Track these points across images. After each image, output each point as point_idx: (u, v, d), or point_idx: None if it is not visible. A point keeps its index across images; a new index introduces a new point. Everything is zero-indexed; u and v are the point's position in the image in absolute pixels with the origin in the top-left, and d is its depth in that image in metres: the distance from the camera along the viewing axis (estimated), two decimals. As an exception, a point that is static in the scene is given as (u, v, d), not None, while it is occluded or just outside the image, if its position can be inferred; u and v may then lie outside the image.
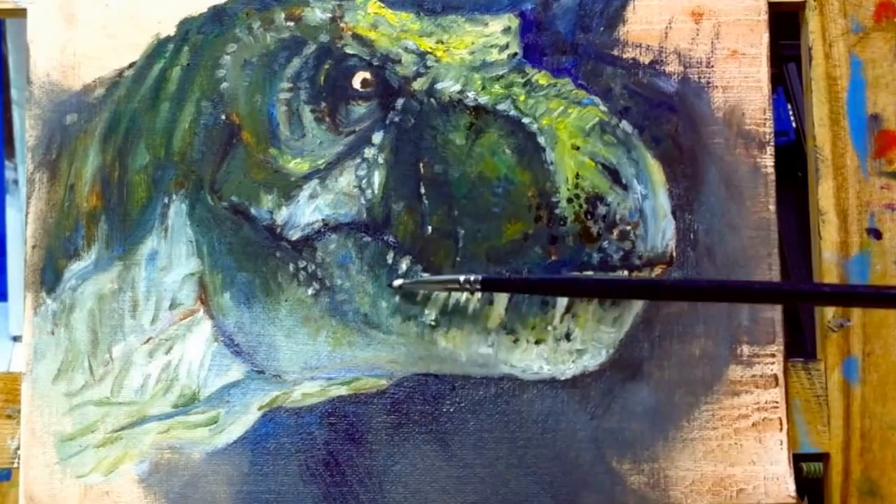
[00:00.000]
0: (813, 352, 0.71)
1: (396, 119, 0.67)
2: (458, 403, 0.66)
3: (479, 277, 0.62)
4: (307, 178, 0.66)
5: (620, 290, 0.61)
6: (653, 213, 0.66)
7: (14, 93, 0.94)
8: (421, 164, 0.66)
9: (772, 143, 0.69)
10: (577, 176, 0.65)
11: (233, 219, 0.67)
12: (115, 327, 0.67)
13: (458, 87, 0.67)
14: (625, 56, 0.69)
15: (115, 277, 0.67)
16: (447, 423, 0.66)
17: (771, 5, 0.70)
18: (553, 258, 0.65)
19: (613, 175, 0.65)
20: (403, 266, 0.66)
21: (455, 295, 0.65)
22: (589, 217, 0.65)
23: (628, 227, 0.65)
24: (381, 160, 0.66)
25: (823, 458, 0.68)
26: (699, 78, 0.69)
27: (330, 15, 0.68)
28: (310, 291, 0.66)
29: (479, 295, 0.65)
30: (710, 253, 0.67)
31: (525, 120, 0.66)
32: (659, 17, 0.69)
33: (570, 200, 0.65)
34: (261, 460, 0.66)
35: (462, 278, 0.62)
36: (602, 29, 0.69)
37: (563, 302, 0.65)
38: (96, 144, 0.68)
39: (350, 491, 0.65)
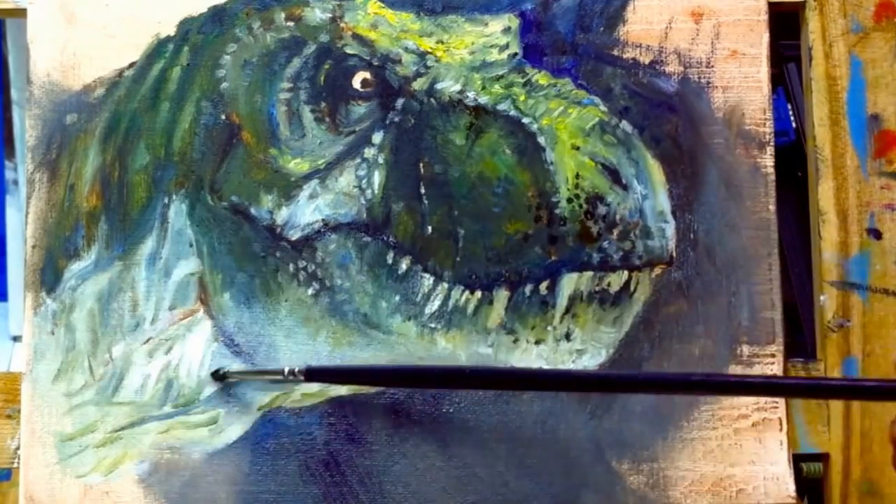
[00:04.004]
0: (813, 352, 0.71)
1: (396, 119, 0.67)
2: (458, 403, 0.66)
3: (304, 368, 0.62)
4: (307, 178, 0.66)
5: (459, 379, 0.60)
6: (653, 213, 0.66)
7: (14, 93, 0.94)
8: (421, 164, 0.66)
9: (772, 144, 0.69)
10: (577, 176, 0.65)
11: (233, 219, 0.67)
12: (115, 327, 0.66)
13: (458, 87, 0.67)
14: (625, 56, 0.69)
15: (115, 277, 0.67)
16: (447, 423, 0.66)
17: (771, 5, 0.70)
18: (553, 258, 0.65)
19: (613, 175, 0.65)
20: (403, 266, 0.66)
21: (454, 295, 0.65)
22: (589, 217, 0.65)
23: (628, 228, 0.65)
24: (381, 160, 0.66)
25: (823, 458, 0.68)
26: (699, 78, 0.69)
27: (330, 15, 0.68)
28: (310, 291, 0.66)
29: (478, 295, 0.65)
30: (709, 253, 0.67)
31: (525, 120, 0.66)
32: (659, 17, 0.69)
33: (570, 200, 0.65)
34: (261, 460, 0.66)
35: (286, 370, 0.62)
36: (602, 29, 0.69)
37: (562, 302, 0.65)
38: (96, 144, 0.68)
39: (350, 491, 0.65)
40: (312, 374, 0.62)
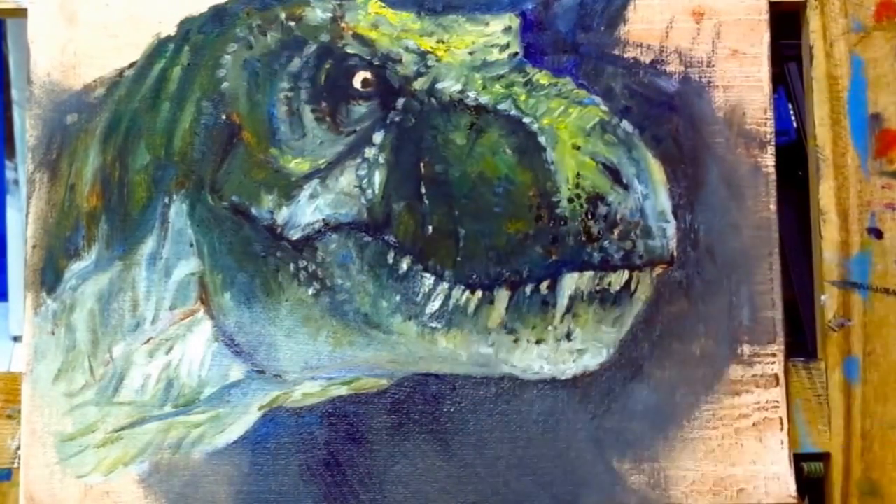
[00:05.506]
0: (814, 351, 0.71)
1: (397, 119, 0.67)
2: (459, 403, 0.66)
3: None
4: (308, 177, 0.66)
5: None
6: (654, 212, 0.66)
7: (14, 93, 0.94)
8: (422, 164, 0.66)
9: (773, 143, 0.69)
10: (578, 175, 0.65)
11: (233, 219, 0.67)
12: (115, 327, 0.66)
13: (458, 87, 0.67)
14: (626, 56, 0.69)
15: (116, 277, 0.67)
16: (447, 423, 0.66)
17: (772, 5, 0.70)
18: (554, 258, 0.65)
19: (614, 175, 0.65)
20: (404, 266, 0.66)
21: (455, 294, 0.65)
22: (590, 217, 0.65)
23: (629, 227, 0.65)
24: (381, 160, 0.66)
25: (824, 457, 0.68)
26: (700, 77, 0.69)
27: (331, 15, 0.68)
28: (310, 291, 0.66)
29: (479, 294, 0.65)
30: (710, 252, 0.67)
31: (526, 119, 0.66)
32: (660, 16, 0.69)
33: (570, 200, 0.65)
34: (261, 460, 0.66)
35: None
36: (603, 28, 0.69)
37: (563, 302, 0.65)
38: (97, 144, 0.68)
39: (350, 491, 0.65)
40: None
